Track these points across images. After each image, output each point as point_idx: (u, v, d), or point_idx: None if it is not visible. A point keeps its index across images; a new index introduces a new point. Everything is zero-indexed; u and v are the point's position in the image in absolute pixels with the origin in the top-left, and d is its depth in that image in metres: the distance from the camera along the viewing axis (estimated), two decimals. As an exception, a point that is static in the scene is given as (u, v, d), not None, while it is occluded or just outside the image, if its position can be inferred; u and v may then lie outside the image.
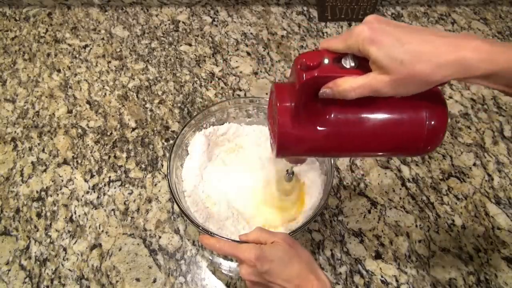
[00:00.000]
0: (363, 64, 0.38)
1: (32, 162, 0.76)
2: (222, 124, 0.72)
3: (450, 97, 0.85)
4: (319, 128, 0.42)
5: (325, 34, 0.95)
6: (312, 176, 0.66)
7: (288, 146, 0.43)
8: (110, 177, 0.73)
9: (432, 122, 0.41)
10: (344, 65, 0.38)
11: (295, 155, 0.47)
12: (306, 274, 0.47)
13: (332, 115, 0.41)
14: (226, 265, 0.64)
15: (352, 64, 0.38)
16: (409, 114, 0.41)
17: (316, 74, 0.38)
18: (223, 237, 0.55)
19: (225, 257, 0.65)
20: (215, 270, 0.64)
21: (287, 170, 0.58)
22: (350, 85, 0.38)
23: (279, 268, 0.47)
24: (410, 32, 0.36)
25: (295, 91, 0.40)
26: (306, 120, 0.41)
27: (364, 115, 0.41)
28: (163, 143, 0.77)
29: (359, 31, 0.36)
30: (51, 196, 0.71)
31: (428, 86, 0.37)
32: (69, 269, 0.64)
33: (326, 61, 0.38)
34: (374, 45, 0.36)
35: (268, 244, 0.50)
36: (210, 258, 0.65)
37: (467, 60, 0.34)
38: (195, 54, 0.92)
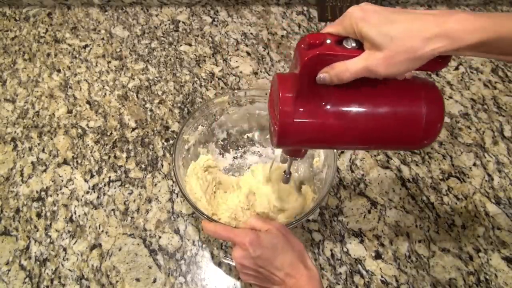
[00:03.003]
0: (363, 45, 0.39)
1: (32, 162, 0.76)
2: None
3: (450, 97, 0.85)
4: (320, 118, 0.42)
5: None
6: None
7: (288, 136, 0.44)
8: (110, 177, 0.73)
9: (430, 115, 0.42)
10: (346, 45, 0.40)
11: (294, 145, 0.47)
12: (296, 264, 0.48)
13: (333, 105, 0.42)
14: (227, 265, 0.64)
15: (354, 45, 0.40)
16: (407, 106, 0.42)
17: (318, 52, 0.39)
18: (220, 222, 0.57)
19: (225, 257, 0.65)
20: (215, 270, 0.64)
21: (284, 171, 0.58)
22: (345, 66, 0.39)
23: (271, 255, 0.48)
24: (398, 12, 0.38)
25: (297, 77, 0.41)
26: (307, 110, 0.42)
27: (364, 106, 0.42)
28: (163, 143, 0.77)
29: (351, 12, 0.39)
30: (51, 196, 0.71)
31: (419, 61, 0.38)
32: (69, 269, 0.64)
33: (328, 41, 0.40)
34: (366, 23, 0.38)
35: (262, 231, 0.50)
36: (211, 258, 0.65)
37: (453, 31, 0.36)
38: (195, 54, 0.92)
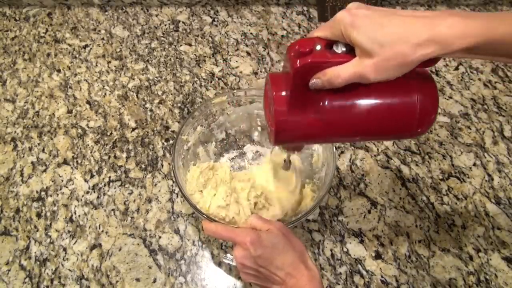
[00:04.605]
0: (354, 49, 0.39)
1: (32, 162, 0.76)
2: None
3: (450, 97, 0.85)
4: (314, 115, 0.43)
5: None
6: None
7: (284, 134, 0.44)
8: (110, 177, 0.73)
9: (424, 104, 0.42)
10: (336, 50, 0.40)
11: (291, 142, 0.48)
12: (297, 264, 0.48)
13: (326, 102, 0.42)
14: (227, 265, 0.64)
15: (344, 49, 0.40)
16: (401, 97, 0.42)
17: (309, 60, 0.39)
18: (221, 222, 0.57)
19: (225, 257, 0.65)
20: (215, 270, 0.64)
21: (284, 159, 0.59)
22: (337, 72, 0.39)
23: (272, 255, 0.48)
24: (389, 15, 0.37)
25: (290, 79, 0.41)
26: (301, 108, 0.43)
27: (357, 101, 0.42)
28: (163, 143, 0.77)
29: (340, 17, 0.38)
30: (51, 196, 0.71)
31: (409, 66, 0.38)
32: (69, 269, 0.64)
33: (318, 47, 0.40)
34: (355, 29, 0.37)
35: (263, 230, 0.50)
36: (211, 258, 0.65)
37: (442, 37, 0.35)
38: (195, 54, 0.92)
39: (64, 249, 0.66)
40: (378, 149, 0.77)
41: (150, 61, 0.90)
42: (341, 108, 0.43)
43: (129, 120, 0.81)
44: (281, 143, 0.48)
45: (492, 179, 0.74)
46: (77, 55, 0.92)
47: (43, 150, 0.77)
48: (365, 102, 0.42)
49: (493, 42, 0.35)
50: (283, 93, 0.42)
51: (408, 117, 0.43)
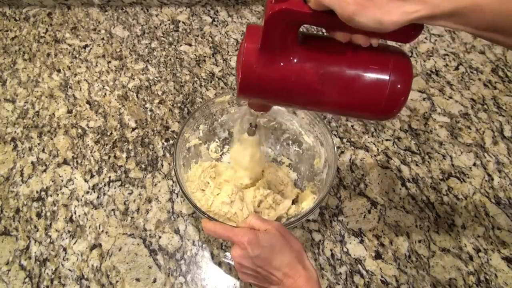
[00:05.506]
0: None
1: (32, 162, 0.76)
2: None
3: (450, 97, 0.85)
4: (282, 72, 0.42)
5: (324, 34, 0.95)
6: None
7: (250, 86, 0.43)
8: (110, 177, 0.73)
9: (395, 85, 0.41)
10: None
11: (256, 96, 0.46)
12: (295, 264, 0.48)
13: (297, 61, 0.41)
14: (227, 265, 0.64)
15: None
16: (373, 72, 0.41)
17: (284, 7, 0.38)
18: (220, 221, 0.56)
19: (225, 256, 0.65)
20: (215, 270, 0.64)
21: (250, 123, 0.57)
22: None
23: (269, 255, 0.48)
24: None
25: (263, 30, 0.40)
26: (271, 62, 0.42)
27: (328, 66, 0.41)
28: (163, 143, 0.77)
29: None
30: (51, 196, 0.71)
31: (390, 23, 0.36)
32: (69, 269, 0.64)
33: None
34: None
35: (261, 230, 0.50)
36: (211, 258, 0.65)
37: None
38: (195, 54, 0.92)
39: (64, 249, 0.66)
40: (378, 149, 0.77)
41: (150, 61, 0.90)
42: (311, 69, 0.41)
43: (129, 120, 0.81)
44: (245, 95, 0.46)
45: (492, 179, 0.74)
46: (77, 55, 0.92)
47: (43, 150, 0.77)
48: (336, 70, 0.41)
49: (478, 9, 0.35)
50: (255, 45, 0.41)
51: (377, 94, 0.41)
